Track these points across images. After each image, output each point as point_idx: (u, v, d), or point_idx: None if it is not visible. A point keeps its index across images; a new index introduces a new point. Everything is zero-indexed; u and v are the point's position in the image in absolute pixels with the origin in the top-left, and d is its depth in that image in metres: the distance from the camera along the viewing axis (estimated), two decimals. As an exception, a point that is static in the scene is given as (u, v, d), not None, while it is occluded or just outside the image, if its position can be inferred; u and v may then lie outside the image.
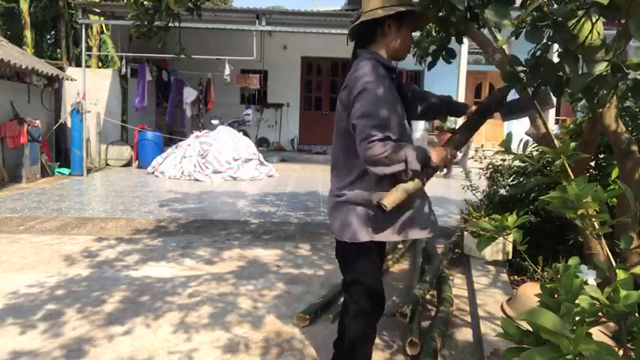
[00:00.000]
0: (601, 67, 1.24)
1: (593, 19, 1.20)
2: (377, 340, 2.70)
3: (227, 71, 10.34)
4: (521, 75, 1.48)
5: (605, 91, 1.28)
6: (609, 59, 1.25)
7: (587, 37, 1.18)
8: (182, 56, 3.15)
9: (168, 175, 9.17)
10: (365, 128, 1.69)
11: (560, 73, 1.36)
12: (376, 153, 1.67)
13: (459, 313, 3.09)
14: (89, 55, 12.34)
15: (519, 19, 1.26)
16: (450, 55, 2.50)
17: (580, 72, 1.32)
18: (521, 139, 1.76)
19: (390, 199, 1.69)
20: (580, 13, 1.15)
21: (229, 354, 2.55)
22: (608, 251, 1.06)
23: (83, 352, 2.54)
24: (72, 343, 2.62)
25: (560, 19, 1.27)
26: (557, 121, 11.96)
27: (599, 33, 1.24)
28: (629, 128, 3.17)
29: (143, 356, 2.51)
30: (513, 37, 1.56)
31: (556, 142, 1.46)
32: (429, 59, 2.56)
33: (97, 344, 2.62)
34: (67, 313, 3.01)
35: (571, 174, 1.34)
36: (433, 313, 3.02)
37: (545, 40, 1.37)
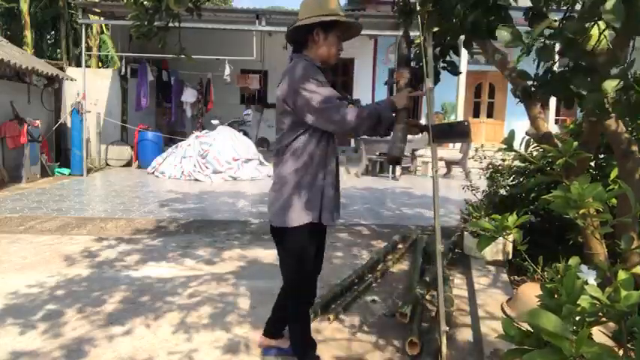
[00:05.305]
0: (613, 85, 1.25)
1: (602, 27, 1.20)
2: (377, 340, 2.70)
3: (227, 71, 10.34)
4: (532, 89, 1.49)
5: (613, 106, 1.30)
6: (621, 75, 1.26)
7: (595, 43, 1.19)
8: (182, 56, 3.15)
9: (168, 175, 9.17)
10: (329, 106, 1.93)
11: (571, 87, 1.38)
12: (355, 116, 1.90)
13: (459, 313, 3.09)
14: (89, 55, 12.32)
15: (530, 37, 1.28)
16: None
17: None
18: (523, 138, 1.76)
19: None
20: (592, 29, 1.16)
21: (229, 354, 2.55)
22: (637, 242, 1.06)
23: (83, 352, 2.54)
24: (72, 344, 2.62)
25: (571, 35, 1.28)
26: (557, 121, 11.97)
27: (606, 37, 1.25)
28: (629, 128, 3.16)
29: (143, 356, 2.50)
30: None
31: (556, 141, 1.46)
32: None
33: (97, 344, 2.62)
34: (67, 313, 3.01)
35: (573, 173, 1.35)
36: (433, 313, 3.02)
37: (555, 56, 1.38)
